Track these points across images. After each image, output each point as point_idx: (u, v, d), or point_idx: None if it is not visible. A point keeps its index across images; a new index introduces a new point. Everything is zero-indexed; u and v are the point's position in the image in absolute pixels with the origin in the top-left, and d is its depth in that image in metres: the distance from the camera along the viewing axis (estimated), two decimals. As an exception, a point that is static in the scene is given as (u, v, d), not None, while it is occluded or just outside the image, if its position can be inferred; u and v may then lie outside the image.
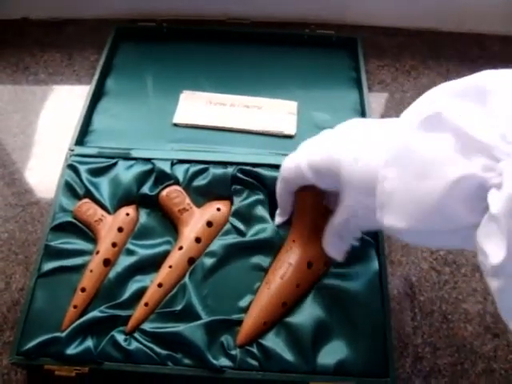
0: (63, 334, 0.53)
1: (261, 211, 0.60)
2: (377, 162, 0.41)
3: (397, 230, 0.40)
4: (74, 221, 0.60)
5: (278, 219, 0.59)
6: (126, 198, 0.62)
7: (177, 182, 0.63)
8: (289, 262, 0.54)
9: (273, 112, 0.73)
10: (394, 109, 0.79)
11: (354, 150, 0.44)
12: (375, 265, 0.57)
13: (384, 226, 0.41)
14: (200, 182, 0.63)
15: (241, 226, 0.60)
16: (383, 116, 0.79)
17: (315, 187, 0.50)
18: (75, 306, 0.55)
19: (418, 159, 0.37)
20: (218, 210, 0.61)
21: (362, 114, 0.73)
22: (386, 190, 0.39)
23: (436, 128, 0.36)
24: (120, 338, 0.53)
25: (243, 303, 0.55)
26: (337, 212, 0.49)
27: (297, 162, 0.50)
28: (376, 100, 0.81)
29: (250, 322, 0.53)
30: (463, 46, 0.88)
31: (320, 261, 0.55)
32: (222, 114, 0.73)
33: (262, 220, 0.60)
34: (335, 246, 0.52)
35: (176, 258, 0.57)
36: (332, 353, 0.53)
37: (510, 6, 0.84)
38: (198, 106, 0.74)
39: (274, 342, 0.53)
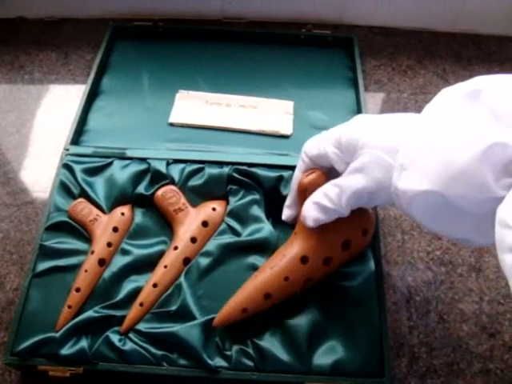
0: (57, 335, 0.52)
1: (256, 211, 0.60)
2: (396, 130, 0.43)
3: (414, 193, 0.39)
4: (68, 220, 0.60)
5: (287, 212, 0.56)
6: (121, 197, 0.62)
7: (172, 182, 0.62)
8: (283, 254, 0.53)
9: (269, 112, 0.73)
10: (390, 109, 0.79)
11: (374, 123, 0.46)
12: (371, 265, 0.57)
13: (398, 190, 0.41)
14: (196, 181, 0.63)
15: (236, 226, 0.60)
16: (379, 116, 0.78)
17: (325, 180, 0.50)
18: (70, 306, 0.54)
19: (454, 124, 0.38)
20: (214, 209, 0.61)
21: (359, 113, 0.73)
22: (409, 152, 0.40)
23: (474, 101, 0.38)
24: (115, 338, 0.52)
25: (239, 303, 0.55)
26: (346, 175, 0.47)
27: (320, 139, 0.50)
28: (372, 100, 0.81)
29: (229, 305, 0.52)
30: (459, 45, 0.88)
31: (318, 257, 0.52)
32: (218, 113, 0.73)
33: (257, 220, 0.60)
34: (317, 212, 0.49)
35: (171, 258, 0.57)
36: (328, 353, 0.53)
37: (506, 6, 0.84)
38: (194, 106, 0.74)
39: (269, 342, 0.53)
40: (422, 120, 0.41)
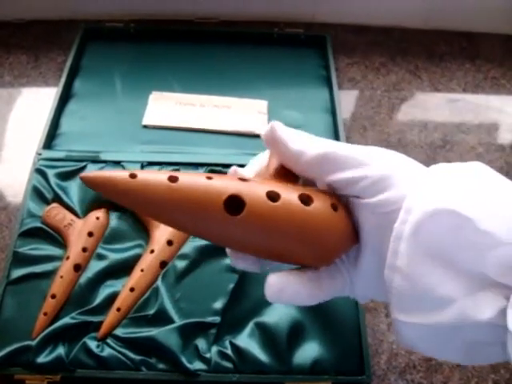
0: (34, 342, 0.52)
1: (233, 212, 0.60)
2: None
3: None
4: (42, 226, 0.59)
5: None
6: (95, 201, 0.61)
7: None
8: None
9: (243, 112, 0.73)
10: (364, 106, 0.80)
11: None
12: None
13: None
14: (171, 183, 0.62)
15: (213, 228, 0.59)
16: (354, 113, 0.79)
17: None
18: (46, 313, 0.54)
19: None
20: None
21: (333, 111, 0.73)
22: None
23: None
24: (92, 344, 0.52)
25: (217, 305, 0.55)
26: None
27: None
28: (346, 97, 0.81)
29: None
30: (430, 42, 0.89)
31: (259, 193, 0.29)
32: (192, 114, 0.72)
33: (234, 221, 0.59)
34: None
35: (148, 262, 0.56)
36: (307, 352, 0.53)
37: (476, 3, 0.85)
38: (168, 107, 0.73)
39: (248, 343, 0.53)
40: None
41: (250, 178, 0.31)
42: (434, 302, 0.27)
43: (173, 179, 0.27)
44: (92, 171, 0.27)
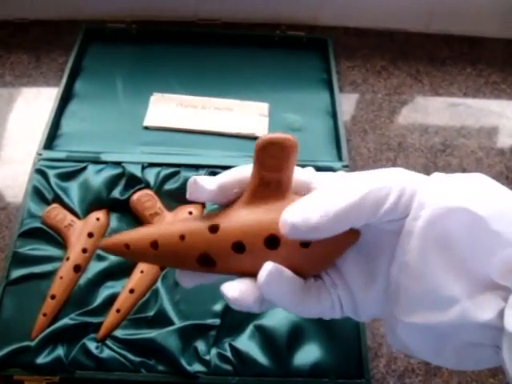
0: (33, 343, 0.52)
1: (233, 214, 0.60)
2: None
3: None
4: (42, 226, 0.59)
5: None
6: (96, 202, 0.61)
7: (148, 186, 0.62)
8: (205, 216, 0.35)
9: (244, 114, 0.73)
10: (364, 109, 0.80)
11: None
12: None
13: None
14: (171, 185, 0.62)
15: (213, 230, 0.59)
16: (354, 116, 0.79)
17: None
18: (45, 314, 0.54)
19: None
20: (190, 213, 0.60)
21: (334, 114, 0.73)
22: None
23: None
24: (92, 345, 0.52)
25: (217, 307, 0.55)
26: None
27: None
28: (347, 101, 0.81)
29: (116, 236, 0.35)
30: (432, 46, 0.89)
31: (228, 237, 0.31)
32: (193, 116, 0.72)
33: (234, 223, 0.59)
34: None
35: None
36: (307, 355, 0.53)
37: (477, 7, 0.85)
38: (169, 109, 0.73)
39: (248, 345, 0.53)
40: None
41: (221, 220, 0.31)
42: (438, 301, 0.27)
43: (154, 246, 0.32)
44: (106, 239, 0.33)
